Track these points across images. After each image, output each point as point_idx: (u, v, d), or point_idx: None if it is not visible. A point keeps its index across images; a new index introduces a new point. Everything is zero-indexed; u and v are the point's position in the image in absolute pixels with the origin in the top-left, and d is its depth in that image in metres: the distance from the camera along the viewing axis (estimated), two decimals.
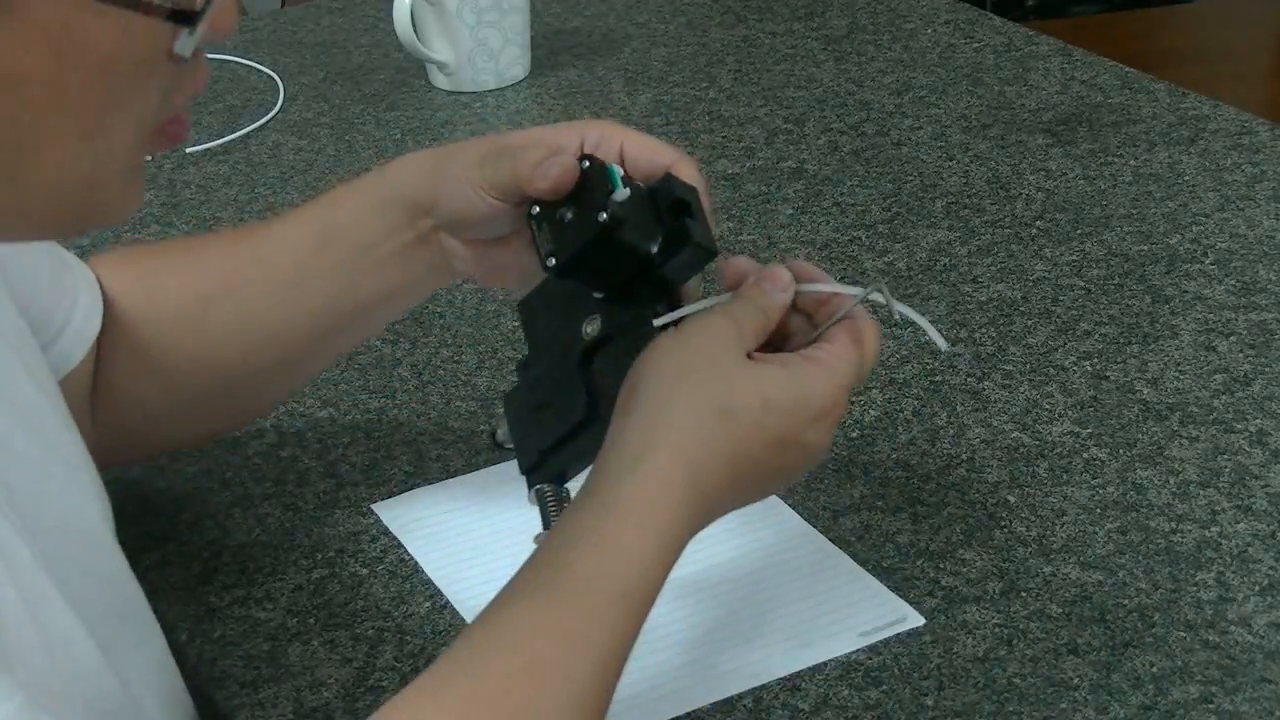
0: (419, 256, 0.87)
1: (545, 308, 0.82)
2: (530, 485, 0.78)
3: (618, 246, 0.75)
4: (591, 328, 0.77)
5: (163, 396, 0.90)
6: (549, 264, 0.76)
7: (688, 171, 0.79)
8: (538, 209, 0.78)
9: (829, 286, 0.76)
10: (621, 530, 0.67)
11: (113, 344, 0.89)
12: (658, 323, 0.75)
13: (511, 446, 0.80)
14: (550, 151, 0.79)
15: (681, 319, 0.75)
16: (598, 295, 0.78)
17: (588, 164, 0.77)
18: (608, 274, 0.77)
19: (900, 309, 0.76)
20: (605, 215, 0.74)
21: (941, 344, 0.77)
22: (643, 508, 0.67)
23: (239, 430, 0.99)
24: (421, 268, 0.87)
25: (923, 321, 0.76)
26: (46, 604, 0.61)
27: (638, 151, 0.81)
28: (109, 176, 0.61)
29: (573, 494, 0.74)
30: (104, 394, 0.89)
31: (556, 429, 0.77)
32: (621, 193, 0.75)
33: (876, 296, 0.76)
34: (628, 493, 0.68)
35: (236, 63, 1.61)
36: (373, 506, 0.94)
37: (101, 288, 0.88)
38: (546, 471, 0.77)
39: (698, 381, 0.70)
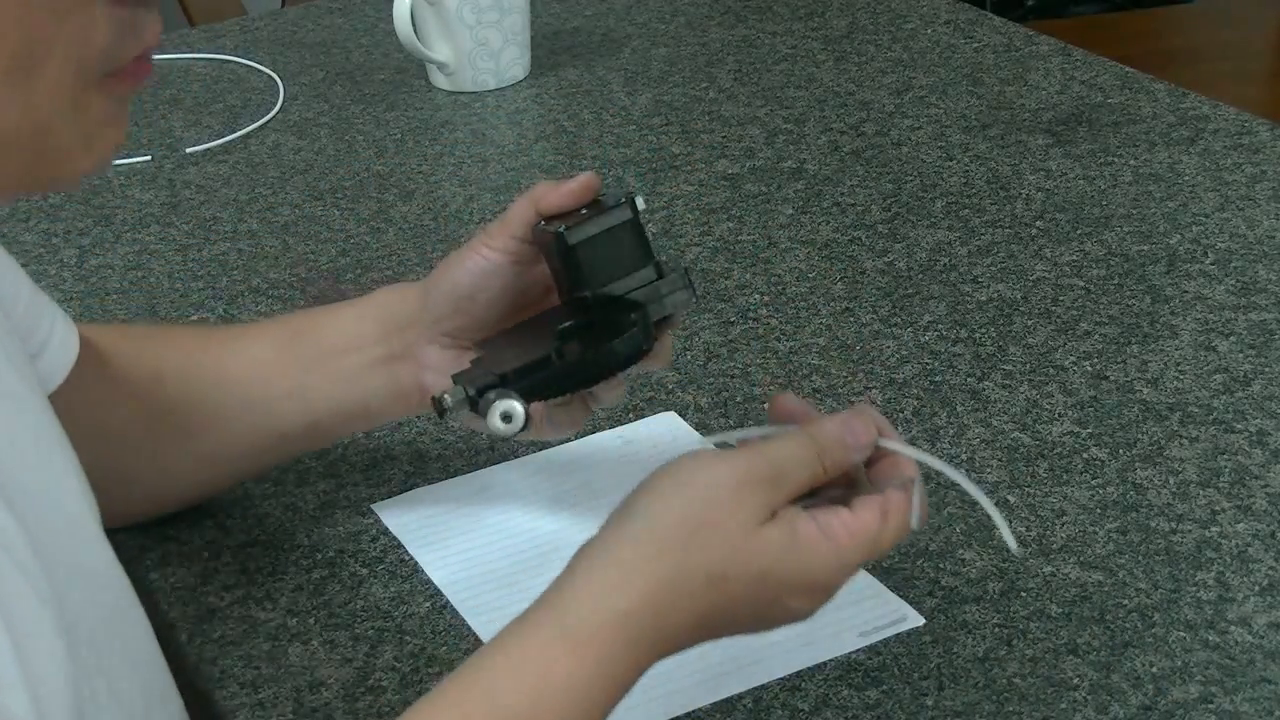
0: (382, 374, 0.89)
1: (507, 335, 0.86)
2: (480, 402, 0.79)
3: (625, 235, 0.81)
4: (566, 326, 0.80)
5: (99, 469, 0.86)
6: (561, 230, 0.81)
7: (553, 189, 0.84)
8: (544, 222, 0.83)
9: (897, 446, 0.73)
10: (575, 666, 0.65)
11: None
12: (712, 440, 0.77)
13: (460, 405, 0.80)
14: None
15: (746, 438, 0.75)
16: (580, 294, 0.81)
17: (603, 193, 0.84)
18: (601, 261, 0.81)
19: (973, 491, 0.73)
20: (625, 203, 0.81)
21: (1012, 544, 0.73)
22: (601, 650, 0.65)
23: (190, 505, 0.95)
24: (381, 386, 0.89)
25: (996, 515, 0.72)
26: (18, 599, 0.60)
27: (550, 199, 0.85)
28: (50, 120, 0.59)
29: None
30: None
31: (514, 360, 0.80)
32: (640, 199, 0.82)
33: (932, 461, 0.74)
34: (590, 629, 0.66)
35: (236, 63, 1.61)
36: (373, 506, 0.94)
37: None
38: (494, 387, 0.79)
39: (698, 545, 0.67)
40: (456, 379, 0.80)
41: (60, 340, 0.85)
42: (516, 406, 0.77)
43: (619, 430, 0.98)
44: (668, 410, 1.00)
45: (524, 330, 0.86)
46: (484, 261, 0.85)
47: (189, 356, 0.91)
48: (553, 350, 0.79)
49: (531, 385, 0.79)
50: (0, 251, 0.82)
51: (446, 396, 0.80)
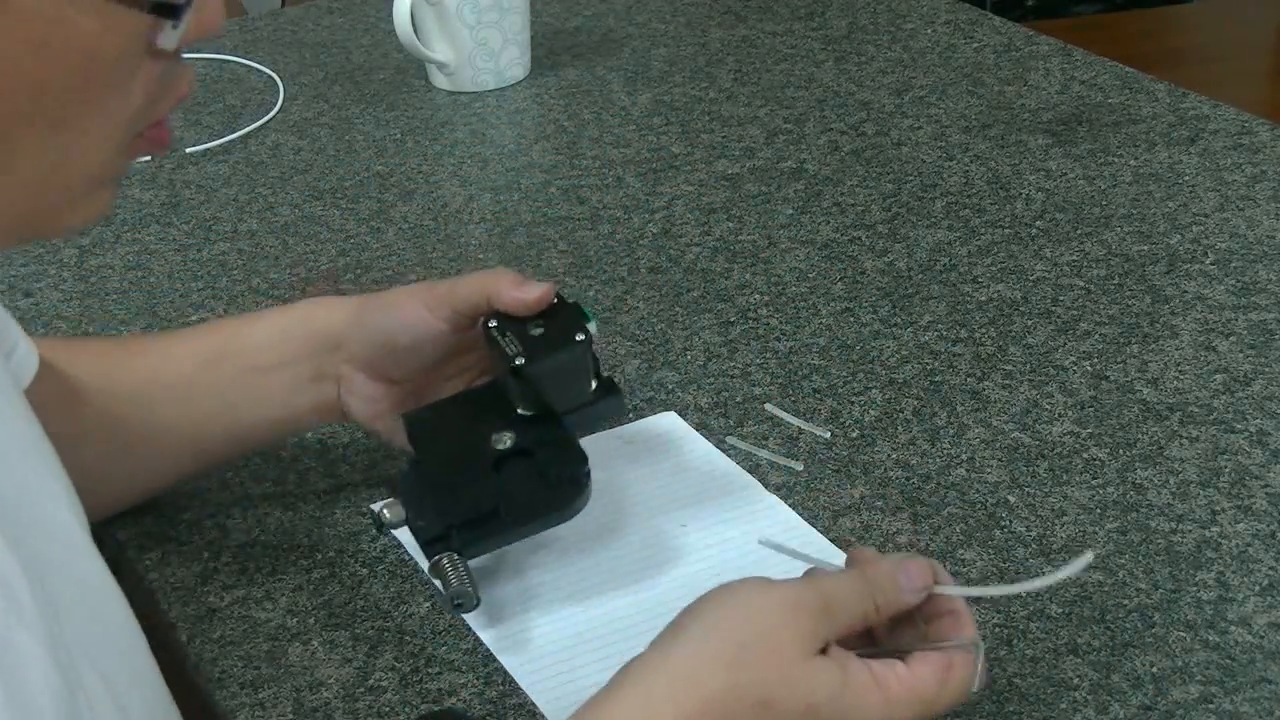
0: (309, 391, 0.90)
1: (441, 421, 0.87)
2: (430, 556, 0.81)
3: (580, 366, 0.84)
4: (503, 442, 0.84)
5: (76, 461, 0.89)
6: (516, 363, 0.83)
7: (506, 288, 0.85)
8: (496, 322, 0.85)
9: (953, 590, 0.72)
10: None
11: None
12: (762, 541, 0.78)
13: (399, 524, 0.83)
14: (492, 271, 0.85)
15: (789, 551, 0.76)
16: (523, 412, 0.84)
17: (556, 299, 0.86)
18: (551, 390, 0.84)
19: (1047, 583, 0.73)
20: (582, 335, 0.84)
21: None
22: None
23: (135, 503, 0.96)
24: (307, 403, 0.90)
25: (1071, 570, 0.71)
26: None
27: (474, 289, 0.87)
28: (77, 178, 0.60)
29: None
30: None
31: (465, 510, 0.82)
32: (593, 325, 0.85)
33: (989, 591, 0.77)
34: None
35: (236, 63, 1.61)
36: (372, 506, 0.94)
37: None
38: (446, 544, 0.81)
39: (750, 664, 0.67)
40: (427, 551, 0.82)
41: (26, 345, 0.85)
42: (469, 592, 0.80)
43: (619, 430, 0.98)
44: (667, 410, 1.00)
45: (456, 431, 0.87)
46: (420, 323, 0.86)
47: (107, 375, 0.91)
48: (501, 507, 0.82)
49: (477, 537, 0.82)
50: None
51: (385, 512, 0.83)
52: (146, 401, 0.90)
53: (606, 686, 0.68)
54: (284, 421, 0.92)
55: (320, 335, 0.89)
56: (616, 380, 0.87)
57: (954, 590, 0.72)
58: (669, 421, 0.99)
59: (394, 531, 0.87)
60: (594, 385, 0.85)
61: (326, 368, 0.89)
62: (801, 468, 0.95)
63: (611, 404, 0.86)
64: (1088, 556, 0.71)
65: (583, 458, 0.83)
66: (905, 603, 0.71)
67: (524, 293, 0.84)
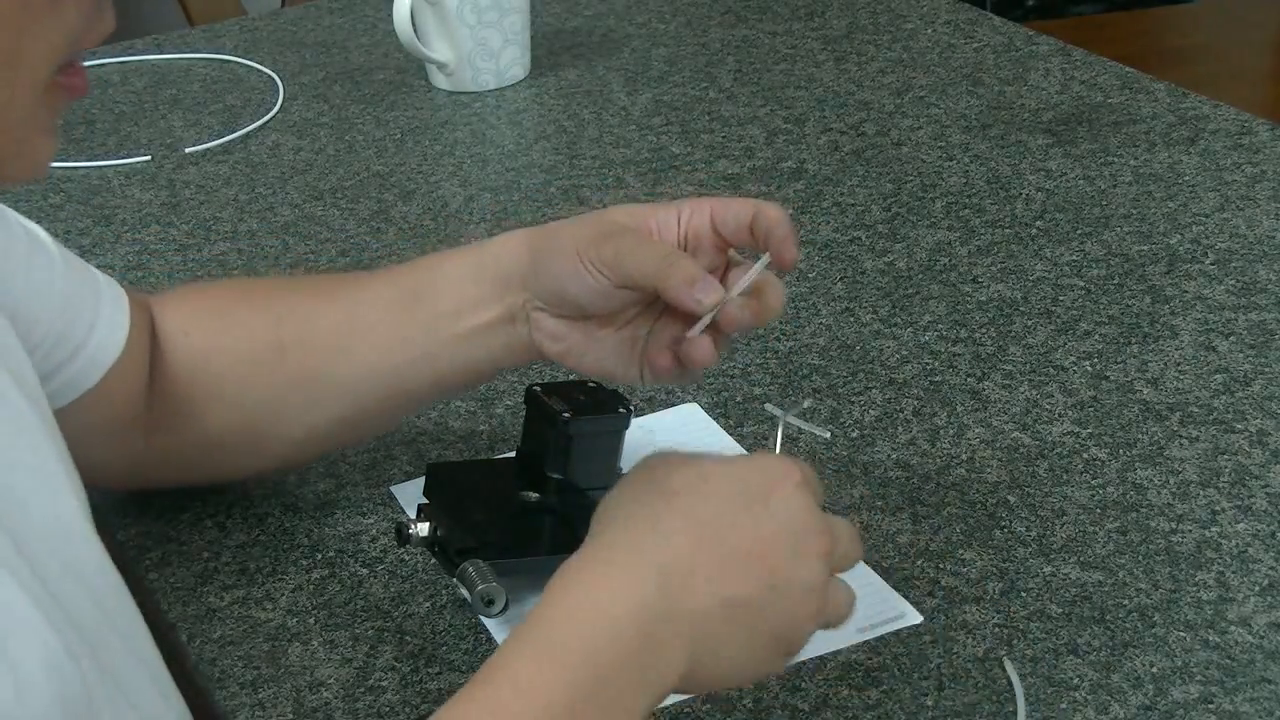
0: (501, 333, 0.88)
1: (466, 477, 0.91)
2: (456, 564, 0.83)
3: (616, 440, 0.88)
4: (530, 499, 0.87)
5: (221, 429, 0.91)
6: (564, 415, 0.86)
7: (773, 208, 0.83)
8: (539, 387, 0.89)
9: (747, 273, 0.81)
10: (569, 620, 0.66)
11: (174, 373, 0.90)
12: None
13: (423, 539, 0.85)
14: (668, 250, 0.83)
15: None
16: (551, 475, 0.87)
17: (594, 385, 0.90)
18: (586, 456, 0.86)
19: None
20: (624, 409, 0.87)
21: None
22: (588, 591, 0.66)
23: (286, 472, 0.97)
24: (500, 344, 0.88)
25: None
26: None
27: (725, 206, 0.84)
28: (16, 115, 0.60)
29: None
30: (162, 418, 0.90)
31: (492, 532, 0.85)
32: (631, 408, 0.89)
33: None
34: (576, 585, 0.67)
35: (236, 63, 1.61)
36: (392, 489, 0.94)
37: (156, 319, 0.90)
38: (474, 554, 0.83)
39: (638, 482, 0.70)
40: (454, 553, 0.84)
41: (101, 334, 0.86)
42: (499, 589, 0.81)
43: (642, 420, 0.98)
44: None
45: (481, 485, 0.90)
46: (582, 277, 0.84)
47: (309, 324, 0.91)
48: (544, 554, 0.84)
49: (501, 556, 0.84)
50: (23, 252, 0.82)
51: (413, 530, 0.85)
52: (349, 356, 0.90)
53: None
54: (482, 362, 0.90)
55: (506, 276, 0.87)
56: None
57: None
58: (690, 413, 0.99)
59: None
60: (621, 470, 0.88)
61: (516, 308, 0.87)
62: (829, 435, 0.96)
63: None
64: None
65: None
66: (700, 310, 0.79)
67: (700, 295, 0.80)
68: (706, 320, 0.80)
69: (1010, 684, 0.78)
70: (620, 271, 0.82)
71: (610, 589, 0.66)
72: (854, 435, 0.97)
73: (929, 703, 0.78)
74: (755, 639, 0.68)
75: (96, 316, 0.86)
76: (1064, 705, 0.77)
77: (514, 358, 0.89)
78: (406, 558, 0.90)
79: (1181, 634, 0.81)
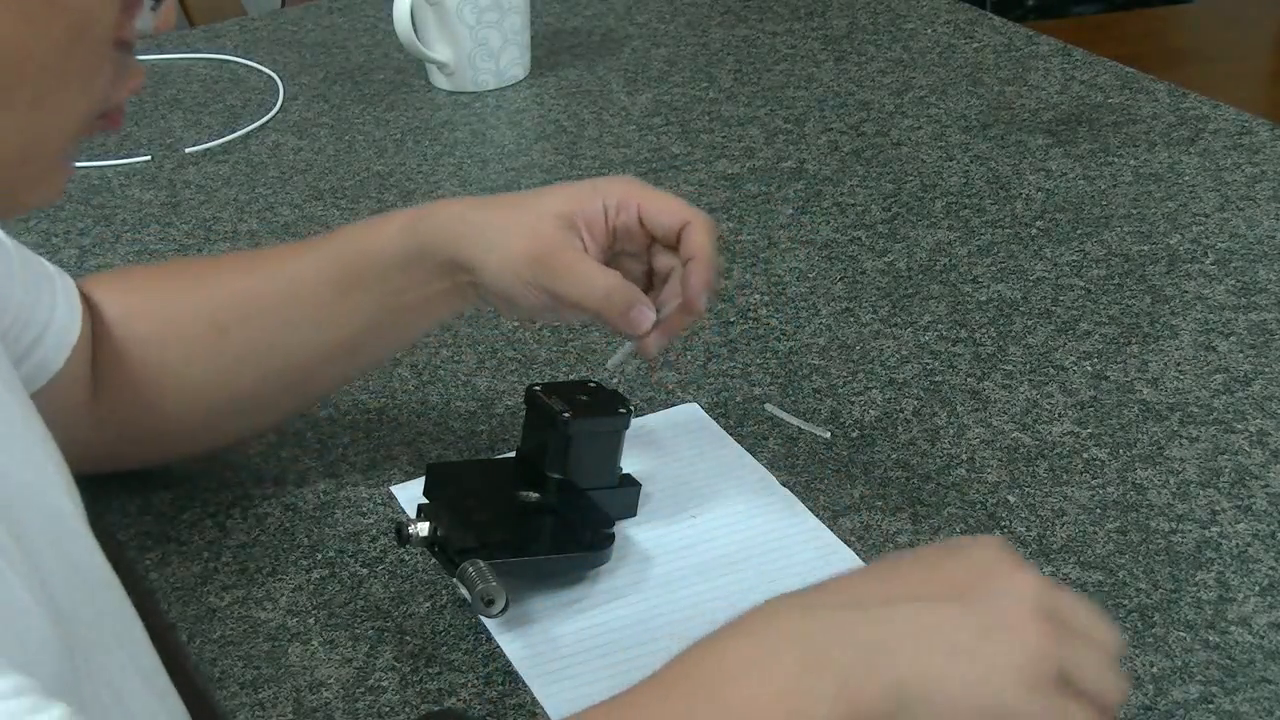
0: (448, 302, 0.90)
1: (465, 476, 0.91)
2: (457, 564, 0.82)
3: (616, 440, 0.88)
4: (529, 498, 0.87)
5: (174, 410, 0.92)
6: (564, 415, 0.86)
7: (700, 233, 0.85)
8: (539, 387, 0.89)
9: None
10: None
11: (119, 357, 0.91)
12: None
13: (423, 539, 0.84)
14: (604, 281, 0.85)
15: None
16: (550, 475, 0.87)
17: (594, 385, 0.91)
18: (585, 456, 0.87)
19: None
20: (624, 410, 0.88)
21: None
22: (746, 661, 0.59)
23: (244, 441, 0.99)
24: (450, 309, 0.92)
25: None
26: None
27: (655, 212, 0.86)
28: (42, 155, 0.61)
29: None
30: (110, 402, 0.91)
31: (492, 531, 0.85)
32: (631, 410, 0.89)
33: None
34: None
35: (236, 63, 1.61)
36: (392, 489, 0.94)
37: (93, 304, 0.91)
38: (475, 554, 0.83)
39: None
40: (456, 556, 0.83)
41: (62, 316, 0.87)
42: (500, 589, 0.81)
43: (641, 419, 0.98)
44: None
45: (480, 485, 0.90)
46: (534, 301, 0.86)
47: (247, 303, 0.92)
48: (527, 536, 0.86)
49: (502, 556, 0.83)
50: None
51: (413, 530, 0.84)
52: (289, 326, 0.91)
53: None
54: (430, 325, 0.94)
55: (448, 261, 0.88)
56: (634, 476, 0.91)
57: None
58: (690, 412, 1.00)
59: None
60: (615, 475, 0.89)
61: (462, 282, 0.88)
62: (829, 435, 0.96)
63: (629, 494, 0.90)
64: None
65: (609, 521, 0.87)
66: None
67: (636, 321, 0.85)
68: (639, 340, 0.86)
69: None
70: (559, 299, 0.85)
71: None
72: (854, 435, 0.97)
73: None
74: None
75: (55, 300, 0.87)
76: None
77: (463, 310, 0.94)
78: (406, 558, 0.90)
79: (1181, 634, 0.81)
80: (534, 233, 0.86)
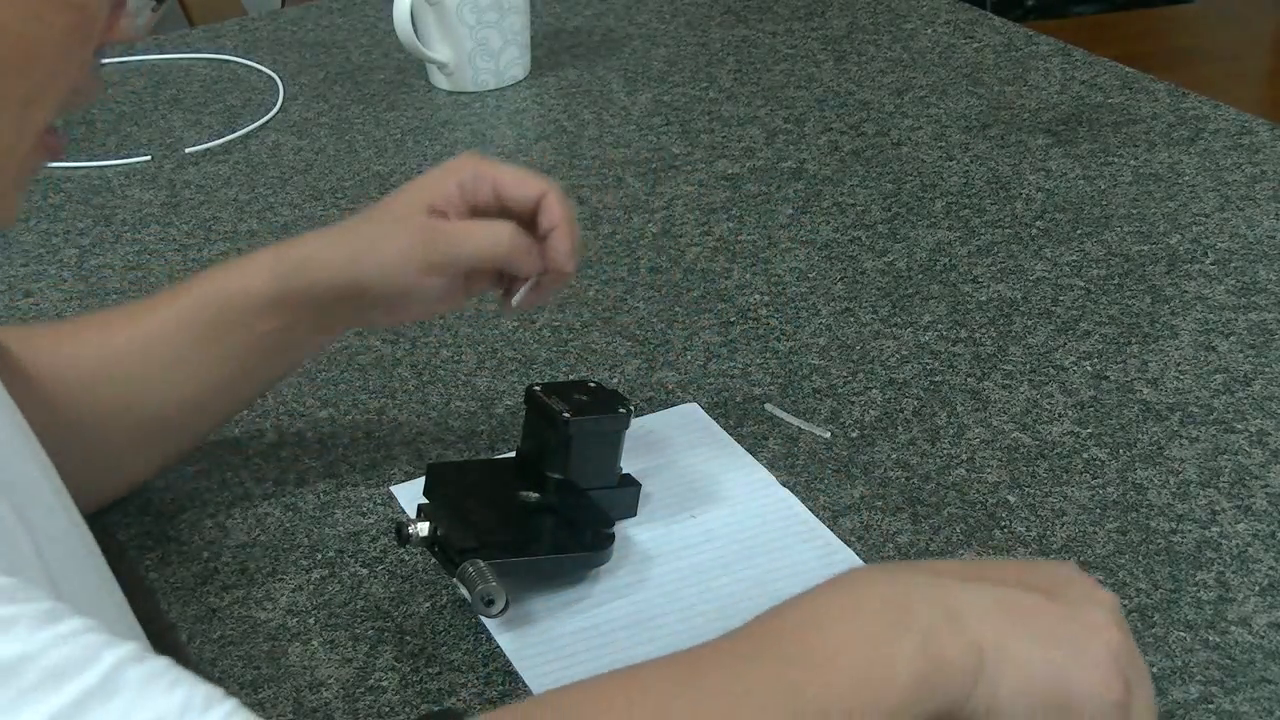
0: (318, 336, 0.93)
1: (464, 476, 0.91)
2: (457, 564, 0.82)
3: (617, 439, 0.88)
4: (530, 499, 0.88)
5: (82, 452, 0.88)
6: (565, 415, 0.86)
7: (555, 205, 0.88)
8: (539, 387, 0.89)
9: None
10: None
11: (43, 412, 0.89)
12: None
13: (423, 539, 0.85)
14: (496, 224, 0.88)
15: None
16: (550, 475, 0.87)
17: (595, 385, 0.91)
18: (585, 456, 0.87)
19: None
20: (624, 409, 0.88)
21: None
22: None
23: (157, 476, 0.97)
24: (318, 344, 0.95)
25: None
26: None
27: (510, 187, 0.89)
28: (14, 163, 0.60)
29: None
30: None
31: (493, 532, 0.85)
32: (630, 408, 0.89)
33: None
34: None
35: (236, 63, 1.61)
36: (392, 489, 0.94)
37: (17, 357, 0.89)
38: (475, 554, 0.83)
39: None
40: (458, 556, 0.83)
41: None
42: (500, 589, 0.81)
43: (642, 420, 0.98)
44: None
45: (480, 485, 0.90)
46: (419, 288, 0.89)
47: (111, 362, 0.91)
48: (528, 536, 0.86)
49: (502, 556, 0.83)
50: None
51: (413, 530, 0.84)
52: (145, 383, 0.91)
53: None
54: (304, 358, 0.96)
55: (326, 293, 0.89)
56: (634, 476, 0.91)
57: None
58: (690, 412, 1.00)
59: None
60: (615, 475, 0.89)
61: (336, 315, 0.91)
62: (829, 435, 0.96)
63: (629, 494, 0.90)
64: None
65: (609, 521, 0.87)
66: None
67: (541, 257, 0.88)
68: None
69: None
70: (463, 263, 0.87)
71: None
72: (854, 435, 0.97)
73: None
74: None
75: None
76: None
77: (333, 341, 0.98)
78: (406, 558, 0.90)
79: (1181, 634, 0.81)
80: (407, 227, 0.88)
